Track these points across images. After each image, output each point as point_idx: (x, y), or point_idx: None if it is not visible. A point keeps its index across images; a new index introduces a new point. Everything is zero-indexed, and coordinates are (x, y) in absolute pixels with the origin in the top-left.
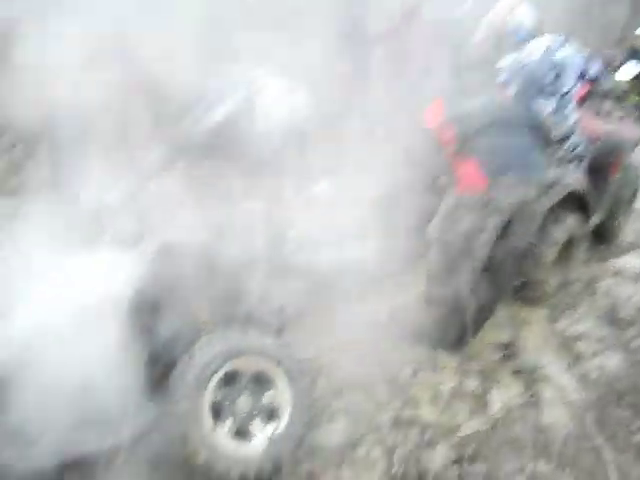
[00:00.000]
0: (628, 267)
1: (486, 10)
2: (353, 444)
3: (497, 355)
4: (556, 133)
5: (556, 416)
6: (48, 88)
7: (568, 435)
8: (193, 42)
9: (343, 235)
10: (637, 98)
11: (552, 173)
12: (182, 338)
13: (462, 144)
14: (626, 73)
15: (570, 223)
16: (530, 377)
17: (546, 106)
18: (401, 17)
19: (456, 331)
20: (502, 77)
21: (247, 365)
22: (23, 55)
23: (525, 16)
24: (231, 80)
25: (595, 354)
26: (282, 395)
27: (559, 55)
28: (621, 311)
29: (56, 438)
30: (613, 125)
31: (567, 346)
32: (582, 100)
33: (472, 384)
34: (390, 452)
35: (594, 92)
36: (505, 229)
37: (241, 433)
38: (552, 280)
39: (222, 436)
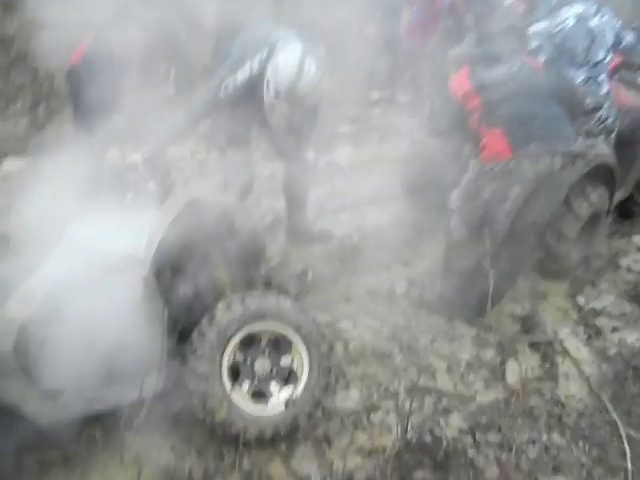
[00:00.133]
0: None
1: None
2: (368, 409)
3: (515, 327)
4: (587, 104)
5: (572, 390)
6: (73, 44)
7: (583, 409)
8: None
9: (364, 203)
10: None
11: (580, 145)
12: (204, 298)
13: (487, 112)
14: None
15: (595, 197)
16: (548, 350)
17: (577, 75)
18: None
19: (475, 302)
20: (532, 44)
21: (266, 329)
22: (47, 10)
23: None
24: (255, 40)
25: (615, 330)
26: (300, 359)
27: (592, 23)
28: None
29: (79, 393)
30: None
31: (586, 321)
32: (614, 71)
33: (489, 355)
34: (405, 419)
35: (626, 63)
36: (528, 200)
37: (259, 394)
38: (574, 254)
39: (240, 396)
